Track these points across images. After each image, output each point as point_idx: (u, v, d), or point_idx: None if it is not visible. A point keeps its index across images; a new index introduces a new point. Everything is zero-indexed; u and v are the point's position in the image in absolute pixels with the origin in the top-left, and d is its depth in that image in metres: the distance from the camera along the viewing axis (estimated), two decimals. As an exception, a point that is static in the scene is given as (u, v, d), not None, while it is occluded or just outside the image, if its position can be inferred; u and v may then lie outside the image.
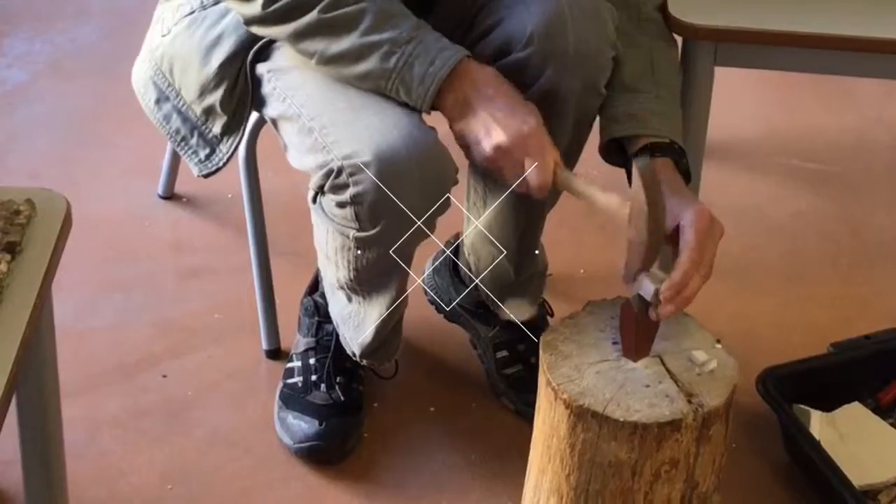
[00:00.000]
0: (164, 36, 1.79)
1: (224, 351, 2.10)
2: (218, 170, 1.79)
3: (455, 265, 2.08)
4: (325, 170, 1.59)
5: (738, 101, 2.68)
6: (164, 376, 2.05)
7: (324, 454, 1.89)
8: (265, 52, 1.71)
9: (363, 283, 1.74)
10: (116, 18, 3.02)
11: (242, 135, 1.77)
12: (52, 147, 2.57)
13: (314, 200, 1.67)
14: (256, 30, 1.63)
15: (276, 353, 2.08)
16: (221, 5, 1.71)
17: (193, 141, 1.79)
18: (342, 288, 1.78)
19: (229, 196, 2.38)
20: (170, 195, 2.42)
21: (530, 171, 1.53)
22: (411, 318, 2.06)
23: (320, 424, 1.89)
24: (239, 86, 1.72)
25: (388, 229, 1.59)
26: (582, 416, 1.42)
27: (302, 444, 1.89)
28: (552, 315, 2.07)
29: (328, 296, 1.89)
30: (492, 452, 1.94)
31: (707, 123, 1.90)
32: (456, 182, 1.62)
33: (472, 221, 1.96)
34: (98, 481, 1.87)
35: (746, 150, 2.64)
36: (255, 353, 2.09)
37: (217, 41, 1.72)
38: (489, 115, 1.54)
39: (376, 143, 1.55)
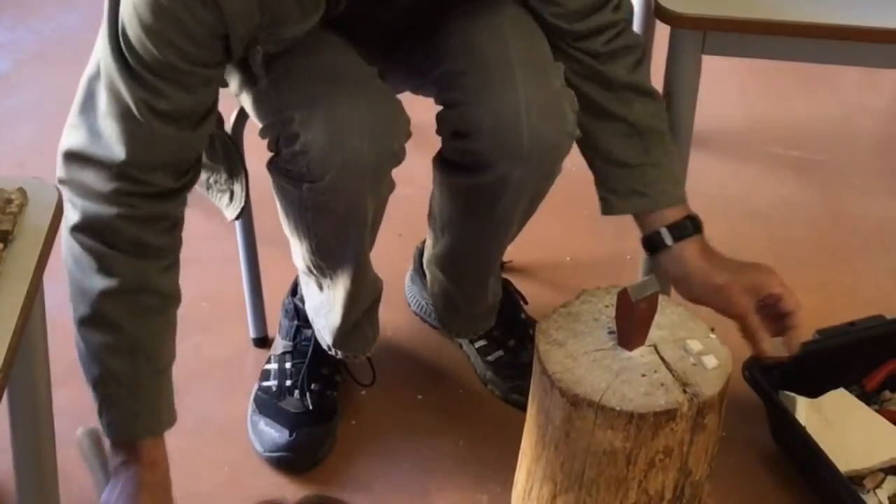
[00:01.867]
0: None
1: (212, 339, 2.09)
2: (243, 209, 1.77)
3: (423, 268, 2.07)
4: (279, 123, 1.58)
5: (723, 90, 2.68)
6: (152, 365, 2.03)
7: (293, 465, 1.87)
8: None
9: (325, 254, 1.71)
10: (101, 6, 2.97)
11: (247, 175, 1.75)
12: (38, 136, 2.54)
13: (271, 163, 1.64)
14: (63, 226, 1.56)
15: (264, 341, 2.06)
16: None
17: (214, 189, 1.79)
18: (310, 271, 1.76)
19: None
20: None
21: None
22: (396, 318, 2.07)
23: (290, 434, 1.88)
24: (216, 140, 1.71)
25: (338, 178, 1.56)
26: (577, 405, 1.41)
27: (272, 454, 1.88)
28: (525, 302, 2.06)
29: (304, 292, 1.87)
30: (480, 439, 1.93)
31: (694, 113, 1.89)
32: (409, 135, 1.60)
33: (430, 240, 1.94)
34: (86, 469, 1.85)
35: (731, 139, 2.64)
36: (242, 341, 2.08)
37: None
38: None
39: (327, 92, 1.54)
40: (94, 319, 1.50)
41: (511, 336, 2.01)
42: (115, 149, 1.45)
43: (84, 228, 1.48)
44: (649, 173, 1.67)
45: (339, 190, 1.58)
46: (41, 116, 2.61)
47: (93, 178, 1.46)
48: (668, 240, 1.66)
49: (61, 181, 1.50)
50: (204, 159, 1.74)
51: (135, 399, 1.51)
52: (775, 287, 1.63)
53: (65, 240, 1.50)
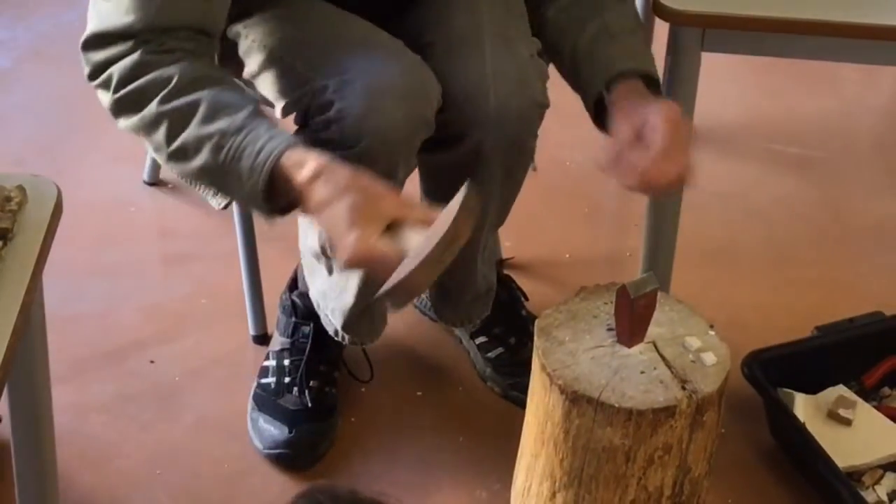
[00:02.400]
0: None
1: (211, 336, 2.08)
2: (231, 201, 1.75)
3: None
4: (310, 93, 1.57)
5: (721, 86, 2.67)
6: (152, 362, 2.03)
7: (292, 462, 1.87)
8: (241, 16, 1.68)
9: None
10: (99, 5, 2.99)
11: None
12: (36, 133, 2.54)
13: (298, 132, 1.62)
14: (119, 124, 1.56)
15: (263, 338, 2.06)
16: None
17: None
18: (323, 254, 1.75)
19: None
20: (155, 181, 2.40)
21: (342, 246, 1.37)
22: (397, 317, 2.05)
23: (290, 431, 1.87)
24: None
25: (373, 145, 1.56)
26: (577, 402, 1.41)
27: (271, 451, 1.87)
28: (526, 298, 2.05)
29: (308, 279, 1.87)
30: (480, 435, 1.92)
31: (693, 108, 1.89)
32: (440, 103, 1.61)
33: None
34: (87, 466, 1.86)
35: (729, 136, 2.64)
36: (241, 338, 2.07)
37: None
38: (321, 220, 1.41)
39: (361, 61, 1.55)
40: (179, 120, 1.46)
41: (512, 333, 2.01)
42: (128, 18, 1.45)
43: (127, 98, 1.48)
44: (615, 49, 1.65)
45: (373, 156, 1.56)
46: (40, 114, 2.60)
47: (117, 52, 1.47)
48: (606, 94, 1.61)
49: (93, 76, 1.51)
50: None
51: (254, 134, 1.43)
52: (655, 117, 1.51)
53: (126, 126, 1.51)
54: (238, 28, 1.68)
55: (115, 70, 1.48)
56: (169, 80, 1.46)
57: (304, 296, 1.91)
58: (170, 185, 2.39)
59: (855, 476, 1.84)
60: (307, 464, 1.87)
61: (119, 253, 2.25)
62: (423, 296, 2.08)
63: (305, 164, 1.38)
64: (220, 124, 1.44)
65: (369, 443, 1.91)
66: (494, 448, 1.86)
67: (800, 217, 2.44)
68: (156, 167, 2.38)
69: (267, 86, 1.67)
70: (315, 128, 1.58)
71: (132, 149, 2.41)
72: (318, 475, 1.86)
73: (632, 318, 1.45)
